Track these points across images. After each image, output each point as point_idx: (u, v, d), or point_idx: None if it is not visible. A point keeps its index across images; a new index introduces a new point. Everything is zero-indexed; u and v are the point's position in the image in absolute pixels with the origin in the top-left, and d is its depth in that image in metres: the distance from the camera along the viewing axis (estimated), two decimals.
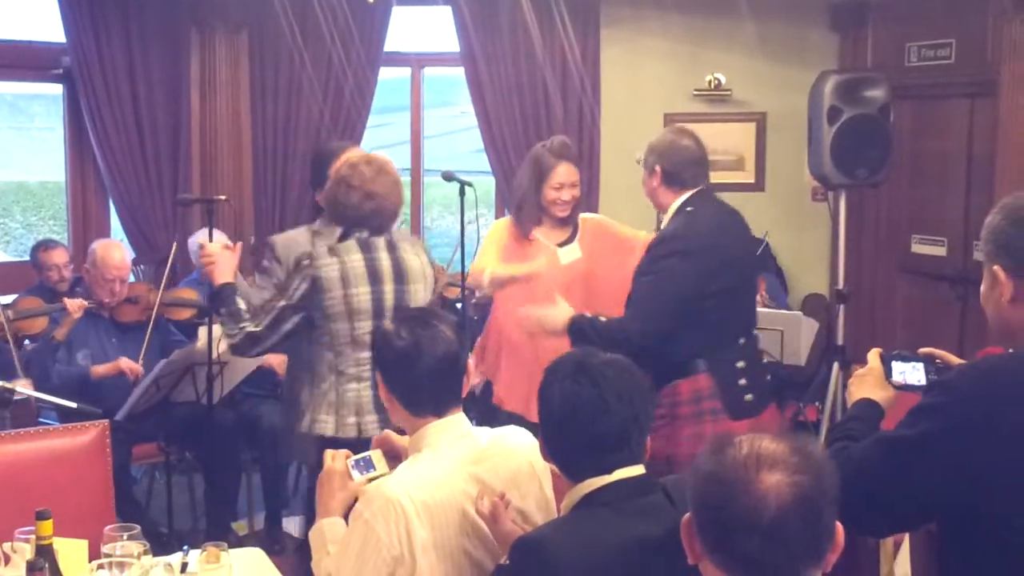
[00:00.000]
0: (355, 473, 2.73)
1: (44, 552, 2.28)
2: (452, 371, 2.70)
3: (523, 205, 4.49)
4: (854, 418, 2.39)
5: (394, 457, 2.80)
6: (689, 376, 3.76)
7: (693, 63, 7.10)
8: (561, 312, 3.87)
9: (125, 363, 5.21)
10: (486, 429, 2.84)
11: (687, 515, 1.79)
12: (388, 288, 3.78)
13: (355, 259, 3.74)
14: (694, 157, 3.95)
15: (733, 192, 6.76)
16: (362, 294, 3.72)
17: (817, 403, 5.53)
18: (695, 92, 7.10)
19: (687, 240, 3.76)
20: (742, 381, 3.81)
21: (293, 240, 4.02)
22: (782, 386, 5.77)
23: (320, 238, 3.97)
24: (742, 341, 3.90)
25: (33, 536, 2.43)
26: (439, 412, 2.68)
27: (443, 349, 2.67)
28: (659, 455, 3.42)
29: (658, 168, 3.91)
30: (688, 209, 3.86)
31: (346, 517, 2.65)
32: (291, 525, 5.47)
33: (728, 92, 7.08)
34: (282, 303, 3.69)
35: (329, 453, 2.78)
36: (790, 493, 1.67)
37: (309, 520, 3.73)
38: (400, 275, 3.81)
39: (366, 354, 3.66)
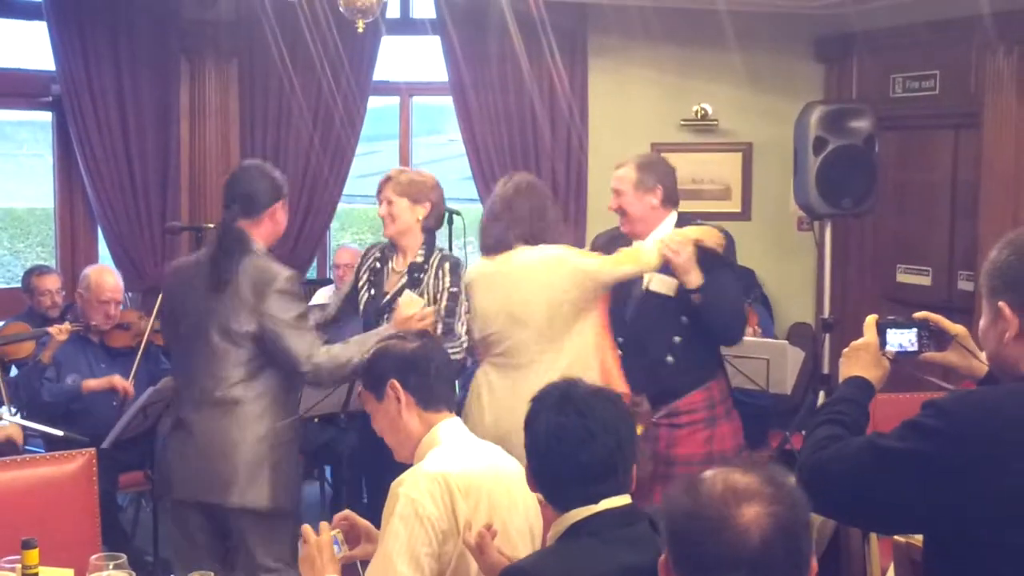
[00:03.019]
0: (335, 548, 2.72)
1: None
2: (449, 371, 2.98)
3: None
4: (844, 400, 2.39)
5: (354, 538, 2.83)
6: (717, 378, 4.23)
7: (680, 93, 7.14)
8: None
9: (118, 380, 5.22)
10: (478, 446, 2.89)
11: (663, 554, 1.80)
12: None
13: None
14: (675, 179, 4.28)
15: (720, 221, 6.79)
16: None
17: (803, 431, 5.53)
18: (682, 122, 7.14)
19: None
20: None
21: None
22: (767, 415, 5.79)
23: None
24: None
25: (19, 566, 2.43)
26: (450, 407, 2.88)
27: (443, 352, 3.01)
28: (698, 455, 4.05)
29: (660, 187, 4.14)
30: (697, 223, 4.14)
31: None
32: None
33: (715, 122, 7.12)
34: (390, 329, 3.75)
35: (308, 528, 2.71)
36: (770, 524, 1.69)
37: None
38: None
39: None
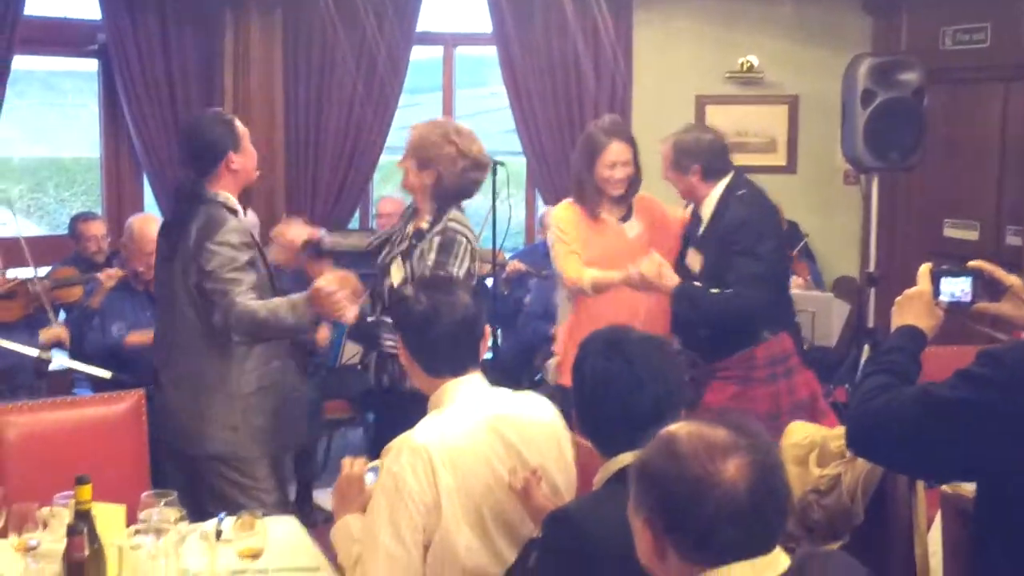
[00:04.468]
0: (370, 476, 2.79)
1: (83, 516, 2.32)
2: (469, 335, 2.80)
3: (581, 186, 4.46)
4: (896, 348, 2.38)
5: None
6: (771, 339, 4.19)
7: (726, 45, 7.08)
8: (670, 276, 4.11)
9: None
10: (507, 391, 2.89)
11: (639, 521, 1.83)
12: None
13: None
14: (722, 146, 4.31)
15: (764, 175, 6.72)
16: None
17: (847, 385, 5.52)
18: (727, 74, 7.08)
19: (769, 223, 4.20)
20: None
21: (239, 226, 3.74)
22: (812, 366, 5.77)
23: (231, 211, 3.78)
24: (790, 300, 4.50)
25: (72, 501, 2.47)
26: (456, 373, 2.77)
27: (461, 314, 2.77)
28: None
29: (697, 166, 4.21)
30: (739, 192, 4.21)
31: None
32: (321, 498, 5.52)
33: (760, 74, 7.05)
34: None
35: (347, 460, 2.85)
36: (753, 473, 1.74)
37: None
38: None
39: None
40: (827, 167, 7.06)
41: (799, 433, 3.39)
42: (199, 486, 3.70)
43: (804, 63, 7.05)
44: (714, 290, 4.09)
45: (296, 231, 4.44)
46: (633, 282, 4.12)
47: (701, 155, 4.21)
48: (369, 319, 3.70)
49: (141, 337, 5.25)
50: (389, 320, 3.71)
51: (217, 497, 3.63)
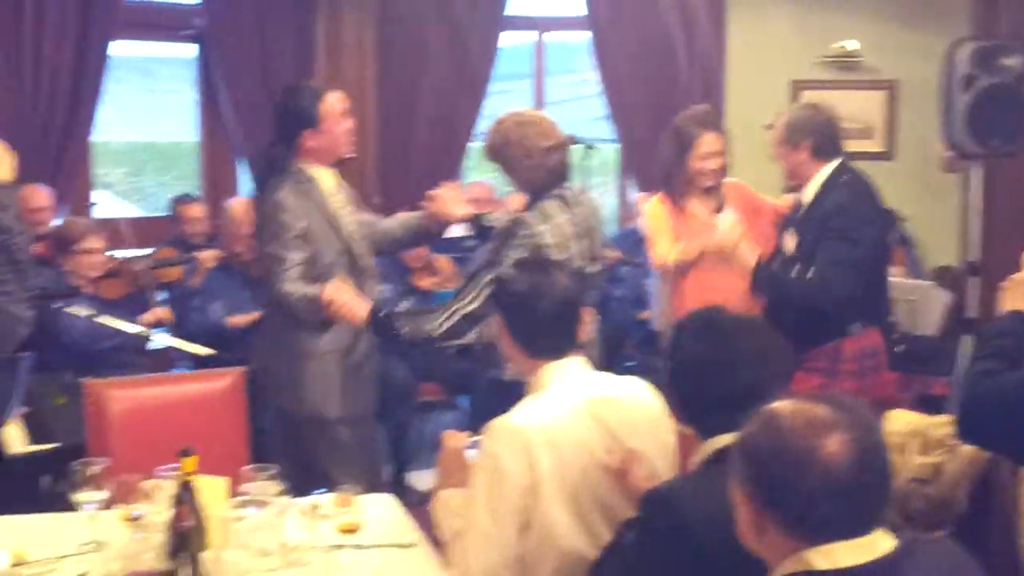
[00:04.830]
0: (470, 453, 2.81)
1: (188, 487, 2.36)
2: (569, 316, 2.78)
3: (670, 177, 4.44)
4: (1004, 333, 2.35)
5: None
6: (860, 334, 4.04)
7: (822, 29, 6.98)
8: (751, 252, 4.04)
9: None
10: (607, 374, 2.88)
11: (740, 497, 1.84)
12: (596, 237, 3.76)
13: (562, 219, 3.67)
14: (834, 126, 4.21)
15: (862, 161, 6.59)
16: (577, 253, 3.67)
17: (946, 377, 5.41)
18: (823, 58, 6.98)
19: (870, 211, 4.07)
20: (895, 335, 4.22)
21: (293, 198, 3.84)
22: (910, 358, 5.66)
23: (309, 186, 3.88)
24: (888, 297, 4.32)
25: (176, 473, 2.52)
26: (556, 355, 2.75)
27: (561, 295, 2.75)
28: None
29: (807, 142, 4.11)
30: (843, 179, 4.11)
31: None
32: (415, 479, 5.56)
33: (858, 59, 6.94)
34: (486, 274, 3.60)
35: (449, 434, 2.90)
36: (855, 450, 1.74)
37: None
38: (597, 221, 3.79)
39: None
40: (926, 154, 6.91)
41: (901, 420, 3.35)
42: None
43: (903, 47, 6.92)
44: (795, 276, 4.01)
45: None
46: (712, 248, 4.09)
47: (814, 131, 4.12)
48: (382, 313, 3.70)
49: (244, 319, 5.35)
50: (403, 309, 3.81)
51: (310, 459, 3.83)
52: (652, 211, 4.54)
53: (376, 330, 3.69)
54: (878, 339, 4.14)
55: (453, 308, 3.63)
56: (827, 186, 4.10)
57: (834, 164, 4.14)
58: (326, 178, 3.95)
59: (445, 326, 3.61)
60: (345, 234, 3.90)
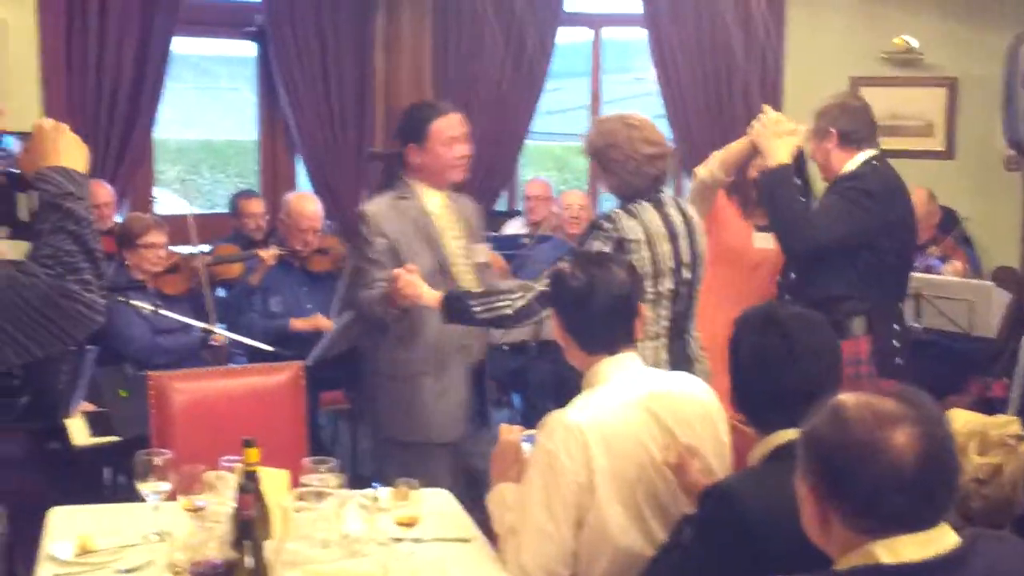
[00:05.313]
0: (526, 446, 2.83)
1: (251, 477, 2.40)
2: (625, 312, 2.78)
3: (736, 188, 4.34)
4: None
5: None
6: (849, 338, 3.81)
7: (882, 25, 6.91)
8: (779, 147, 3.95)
9: (323, 322, 5.40)
10: (659, 371, 2.88)
11: (805, 489, 1.84)
12: (684, 243, 3.65)
13: (653, 217, 3.61)
14: (868, 117, 4.06)
15: (920, 160, 6.59)
16: (666, 253, 3.58)
17: (1005, 379, 5.34)
18: (883, 54, 6.92)
19: (874, 182, 3.89)
20: (896, 343, 3.93)
21: (383, 211, 3.88)
22: (967, 360, 5.60)
23: (407, 203, 3.89)
24: (900, 305, 4.08)
25: (239, 465, 2.56)
26: (611, 350, 2.76)
27: (617, 290, 2.76)
28: None
29: (833, 130, 3.98)
30: (873, 163, 3.96)
31: None
32: None
33: (918, 55, 6.86)
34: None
35: (505, 427, 2.92)
36: (922, 444, 1.73)
37: None
38: (690, 228, 3.68)
39: (666, 311, 3.59)
40: (987, 152, 6.82)
41: (959, 420, 3.32)
42: None
43: (964, 43, 6.84)
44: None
45: None
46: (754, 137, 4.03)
47: (838, 118, 3.98)
48: (456, 294, 3.69)
49: (305, 324, 5.41)
50: (476, 289, 3.74)
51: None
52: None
53: (450, 311, 3.68)
54: (862, 347, 3.92)
55: (527, 286, 3.63)
56: (859, 166, 3.97)
57: (866, 154, 3.98)
58: (431, 198, 3.94)
59: (519, 304, 3.58)
60: (442, 255, 3.89)
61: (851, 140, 3.98)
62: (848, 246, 3.86)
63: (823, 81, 6.79)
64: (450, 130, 3.89)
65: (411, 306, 3.69)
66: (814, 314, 2.56)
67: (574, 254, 3.31)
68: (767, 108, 4.10)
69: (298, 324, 5.39)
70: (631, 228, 3.55)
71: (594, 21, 7.46)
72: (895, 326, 3.95)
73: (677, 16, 6.85)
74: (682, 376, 2.94)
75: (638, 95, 9.30)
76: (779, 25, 6.89)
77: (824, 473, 1.79)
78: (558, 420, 2.62)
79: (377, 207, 3.89)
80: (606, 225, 3.57)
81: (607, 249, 3.50)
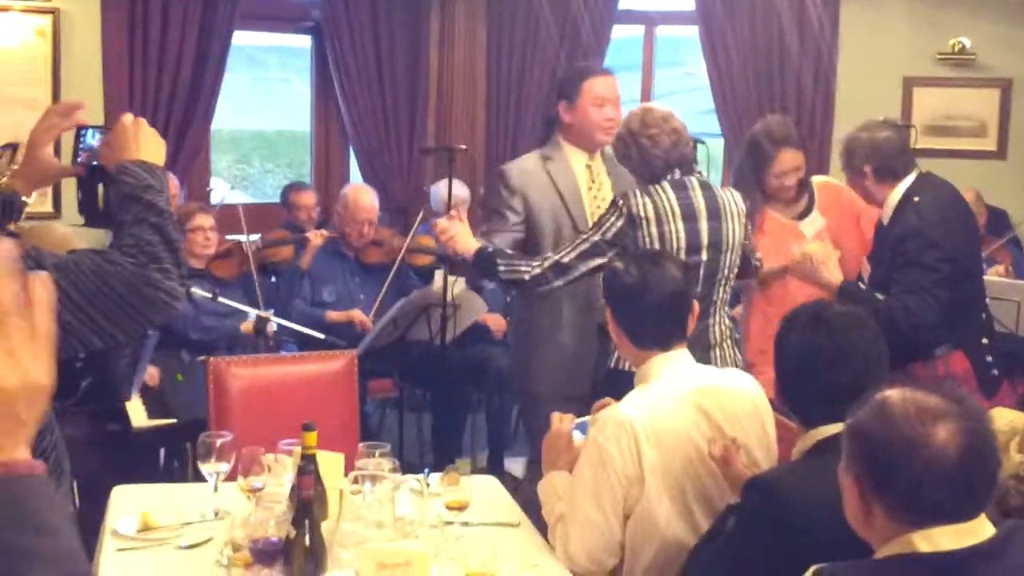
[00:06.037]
0: (577, 434, 2.89)
1: (310, 459, 2.47)
2: (677, 309, 2.83)
3: (745, 192, 4.17)
4: None
5: None
6: (931, 360, 3.83)
7: (936, 25, 6.89)
8: (835, 272, 3.94)
9: (357, 315, 5.49)
10: (710, 367, 2.93)
11: (849, 480, 1.89)
12: (703, 225, 3.66)
13: (670, 197, 3.64)
14: (898, 145, 3.99)
15: (972, 160, 6.59)
16: (678, 231, 3.60)
17: None
18: (938, 55, 6.90)
19: (932, 227, 3.79)
20: (988, 357, 3.91)
21: (524, 168, 4.08)
22: (1014, 360, 5.58)
23: (551, 163, 4.05)
24: (983, 316, 4.02)
25: (297, 448, 2.64)
26: (664, 346, 2.81)
27: (670, 287, 2.81)
28: None
29: (867, 167, 3.92)
30: (915, 200, 3.87)
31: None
32: (512, 465, 5.66)
33: (972, 56, 6.84)
34: (596, 237, 3.63)
35: (556, 416, 2.96)
36: (965, 440, 1.78)
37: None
38: (715, 212, 3.69)
39: None
40: None
41: (1001, 418, 3.33)
42: None
43: (1018, 45, 6.81)
44: (880, 296, 3.82)
45: None
46: (796, 269, 3.99)
47: (870, 156, 3.91)
48: (489, 250, 3.80)
49: (340, 317, 5.50)
50: (509, 251, 3.85)
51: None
52: None
53: (477, 264, 3.81)
54: (962, 365, 3.89)
55: (547, 256, 3.73)
56: (900, 209, 3.90)
57: (907, 182, 3.92)
58: (577, 158, 4.08)
59: (536, 272, 3.69)
60: (577, 212, 4.02)
61: (887, 173, 3.92)
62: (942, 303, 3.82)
63: (876, 80, 6.81)
64: (601, 90, 4.00)
65: (454, 253, 3.86)
66: (860, 312, 2.60)
67: (630, 252, 3.37)
68: (795, 252, 4.02)
69: (334, 316, 5.48)
70: (642, 205, 3.60)
71: (648, 19, 7.49)
72: (984, 339, 3.92)
73: (731, 13, 6.86)
74: (732, 372, 2.99)
75: (689, 89, 9.31)
76: (834, 24, 6.89)
77: (868, 465, 1.85)
78: (610, 415, 2.68)
79: (519, 165, 4.10)
80: (619, 201, 3.64)
81: (620, 224, 3.60)
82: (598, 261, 3.64)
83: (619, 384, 3.03)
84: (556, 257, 3.68)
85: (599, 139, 4.07)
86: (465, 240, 3.82)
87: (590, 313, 4.01)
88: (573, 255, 3.67)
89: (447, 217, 3.88)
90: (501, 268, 3.73)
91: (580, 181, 4.08)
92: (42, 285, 1.03)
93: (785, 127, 4.33)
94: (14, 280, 1.00)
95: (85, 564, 1.02)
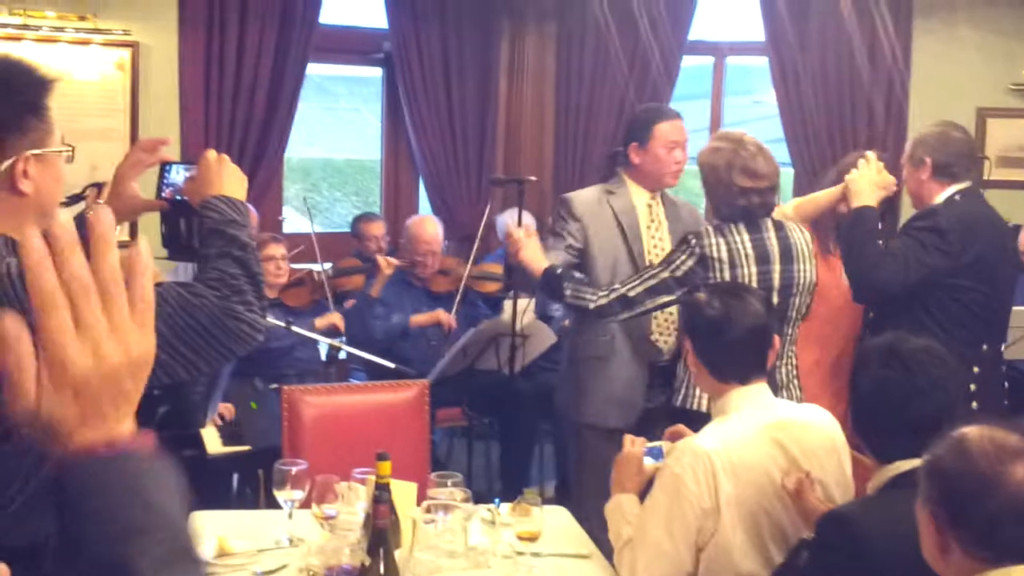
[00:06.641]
0: (647, 459, 2.89)
1: (384, 488, 2.50)
2: (759, 342, 2.82)
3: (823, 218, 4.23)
4: None
5: None
6: None
7: (1010, 56, 6.81)
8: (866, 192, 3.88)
9: (442, 314, 5.56)
10: (789, 402, 2.93)
11: (925, 515, 1.90)
12: (776, 268, 3.66)
13: (743, 239, 3.65)
14: (966, 149, 3.95)
15: None
16: (751, 275, 3.61)
17: None
18: (1012, 86, 6.81)
19: (948, 219, 3.77)
20: (971, 387, 3.77)
21: (587, 199, 4.13)
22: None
23: (613, 197, 4.10)
24: (984, 347, 3.89)
25: (371, 477, 2.67)
26: (743, 380, 2.81)
27: (752, 321, 2.80)
28: None
29: (928, 160, 3.89)
30: (955, 198, 3.86)
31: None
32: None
33: None
34: (664, 274, 3.65)
35: (628, 438, 2.97)
36: None
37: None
38: (788, 255, 3.69)
39: None
40: None
41: None
42: None
43: None
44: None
45: None
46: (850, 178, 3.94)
47: (936, 148, 3.88)
48: (558, 271, 3.83)
49: (426, 319, 5.57)
50: (578, 275, 3.88)
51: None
52: None
53: (544, 285, 3.85)
54: None
55: (614, 287, 3.74)
56: (939, 203, 3.88)
57: (958, 187, 3.89)
58: (639, 196, 4.14)
59: (601, 302, 3.71)
60: (636, 248, 4.06)
61: (946, 172, 3.89)
62: (917, 289, 3.78)
63: (949, 111, 6.69)
64: (672, 135, 4.04)
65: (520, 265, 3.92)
66: (937, 347, 2.59)
67: (711, 285, 3.36)
68: (870, 155, 4.02)
69: (419, 320, 5.55)
70: (715, 246, 3.61)
71: (718, 50, 7.48)
72: (974, 367, 3.79)
73: (802, 42, 6.83)
74: (810, 407, 2.98)
75: (758, 118, 9.28)
76: (906, 53, 6.83)
77: (945, 502, 1.85)
78: (688, 445, 2.69)
79: (581, 195, 4.16)
80: (692, 240, 3.65)
81: (691, 263, 3.61)
82: (665, 298, 3.66)
83: (685, 424, 3.03)
84: (623, 290, 3.70)
85: (666, 182, 4.12)
86: (536, 256, 3.88)
87: (644, 347, 4.03)
88: (640, 289, 3.68)
89: (524, 230, 3.96)
90: (568, 291, 3.77)
91: (641, 218, 4.12)
92: (142, 252, 1.03)
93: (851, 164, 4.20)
94: (116, 251, 1.00)
95: (194, 540, 1.03)
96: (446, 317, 5.55)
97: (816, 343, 4.10)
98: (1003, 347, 4.09)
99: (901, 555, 2.17)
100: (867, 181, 3.90)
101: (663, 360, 4.07)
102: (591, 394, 4.08)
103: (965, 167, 3.92)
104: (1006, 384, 4.08)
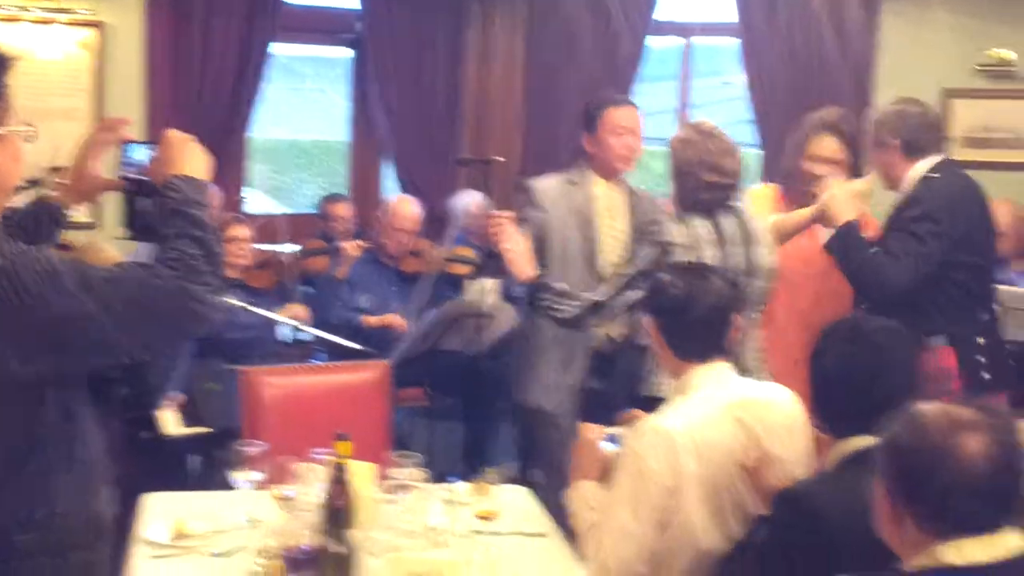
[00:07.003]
0: (606, 445, 2.88)
1: (342, 469, 2.48)
2: (720, 322, 2.81)
3: (789, 177, 4.31)
4: None
5: None
6: (928, 349, 3.71)
7: (978, 37, 6.81)
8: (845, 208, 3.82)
9: (394, 319, 5.52)
10: (750, 380, 2.92)
11: (881, 490, 1.90)
12: (737, 251, 3.70)
13: (701, 224, 3.68)
14: (928, 121, 3.93)
15: (1012, 172, 6.50)
16: (710, 258, 3.63)
17: None
18: (977, 67, 6.82)
19: (933, 202, 3.75)
20: (981, 358, 3.80)
21: (548, 186, 4.13)
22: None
23: (574, 187, 4.10)
24: (985, 317, 3.91)
25: (331, 456, 2.65)
26: (704, 358, 2.79)
27: (714, 300, 2.79)
28: None
29: (894, 140, 3.86)
30: (935, 176, 3.82)
31: None
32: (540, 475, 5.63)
33: (1014, 68, 6.76)
34: (629, 270, 3.69)
35: (584, 425, 2.97)
36: (995, 451, 1.80)
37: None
38: (747, 238, 3.72)
39: None
40: None
41: None
42: None
43: None
44: (873, 249, 3.76)
45: None
46: (822, 213, 3.87)
47: (898, 128, 3.85)
48: (541, 279, 3.88)
49: (378, 321, 5.53)
50: (557, 285, 3.89)
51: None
52: (756, 194, 4.37)
53: (528, 292, 3.84)
54: (948, 362, 3.79)
55: (586, 301, 3.75)
56: (918, 185, 3.84)
57: (930, 162, 3.86)
58: (598, 186, 4.12)
59: (571, 312, 3.79)
60: (592, 239, 4.04)
61: (914, 148, 3.86)
62: (924, 273, 3.75)
63: (915, 92, 6.67)
64: (621, 120, 4.04)
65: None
66: (899, 327, 2.59)
67: (675, 265, 3.36)
68: (833, 182, 3.95)
69: (371, 321, 5.51)
70: (675, 232, 3.64)
71: (685, 30, 7.46)
72: (979, 339, 3.83)
73: (769, 25, 6.82)
74: (771, 385, 2.97)
75: (726, 99, 9.27)
76: (872, 35, 6.83)
77: (900, 476, 1.85)
78: (649, 426, 2.67)
79: (543, 183, 4.15)
80: (652, 230, 3.66)
81: (651, 252, 3.67)
82: (635, 295, 3.65)
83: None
84: (594, 297, 3.72)
85: (617, 168, 4.12)
86: (523, 264, 3.89)
87: (579, 335, 4.02)
88: (610, 291, 3.76)
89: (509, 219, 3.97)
90: (544, 300, 3.79)
91: (597, 207, 4.11)
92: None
93: (837, 115, 4.28)
94: None
95: None
96: (398, 321, 5.50)
97: (807, 314, 4.07)
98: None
99: (857, 531, 2.17)
100: (843, 198, 3.85)
101: (606, 346, 4.07)
102: (535, 378, 4.07)
103: (932, 140, 3.90)
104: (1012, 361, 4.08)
